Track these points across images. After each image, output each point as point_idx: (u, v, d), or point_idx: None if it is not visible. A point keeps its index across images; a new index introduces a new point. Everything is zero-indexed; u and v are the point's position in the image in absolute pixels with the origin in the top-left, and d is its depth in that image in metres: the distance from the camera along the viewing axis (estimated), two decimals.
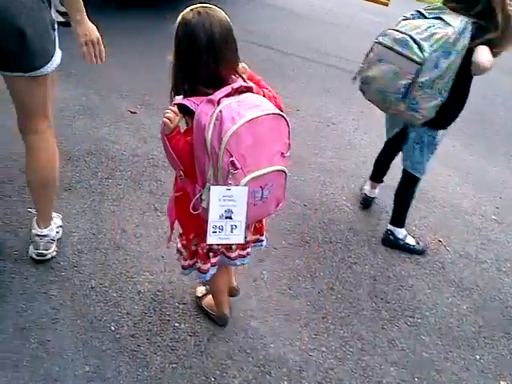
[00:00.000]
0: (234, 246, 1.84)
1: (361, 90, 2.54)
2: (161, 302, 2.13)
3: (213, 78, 1.55)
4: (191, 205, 1.60)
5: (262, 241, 1.96)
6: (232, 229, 1.59)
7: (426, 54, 2.22)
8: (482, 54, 2.24)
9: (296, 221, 2.83)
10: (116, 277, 2.19)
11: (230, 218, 1.57)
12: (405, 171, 2.70)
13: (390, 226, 2.79)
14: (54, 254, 2.23)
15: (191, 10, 1.54)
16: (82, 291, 2.09)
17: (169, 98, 1.62)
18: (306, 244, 2.69)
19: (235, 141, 1.46)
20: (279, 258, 2.54)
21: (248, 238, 1.83)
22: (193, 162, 1.57)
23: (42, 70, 1.90)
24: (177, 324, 2.06)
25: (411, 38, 2.25)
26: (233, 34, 1.56)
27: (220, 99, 1.49)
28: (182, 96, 1.58)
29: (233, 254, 1.87)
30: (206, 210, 1.55)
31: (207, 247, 1.79)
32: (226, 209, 1.55)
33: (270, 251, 2.54)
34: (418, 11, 2.42)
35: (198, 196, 1.58)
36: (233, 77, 1.60)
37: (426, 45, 2.23)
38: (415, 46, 2.24)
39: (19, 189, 2.53)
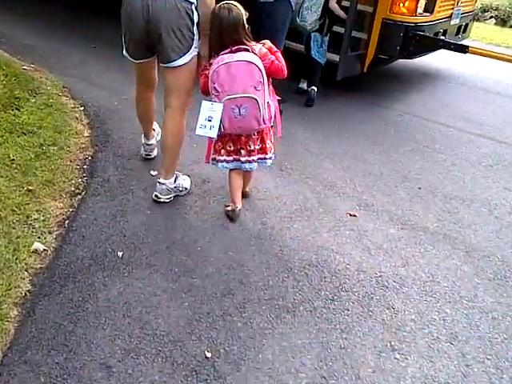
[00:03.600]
0: (243, 152, 2.75)
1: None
2: None
3: (222, 44, 2.55)
4: None
5: (266, 159, 2.83)
6: (210, 128, 2.59)
7: None
8: None
9: None
10: None
11: (210, 120, 2.58)
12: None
13: None
14: (168, 200, 2.90)
15: (219, 6, 2.54)
16: None
17: None
18: None
19: (216, 75, 2.53)
20: None
21: (252, 148, 2.76)
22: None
23: (174, 63, 2.63)
24: None
25: None
26: (240, 19, 2.52)
27: (220, 54, 2.55)
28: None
29: (242, 159, 2.77)
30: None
31: (221, 146, 2.77)
32: (209, 115, 2.58)
33: None
34: None
35: None
36: (251, 43, 2.58)
37: None
38: None
39: (239, 305, 2.28)
